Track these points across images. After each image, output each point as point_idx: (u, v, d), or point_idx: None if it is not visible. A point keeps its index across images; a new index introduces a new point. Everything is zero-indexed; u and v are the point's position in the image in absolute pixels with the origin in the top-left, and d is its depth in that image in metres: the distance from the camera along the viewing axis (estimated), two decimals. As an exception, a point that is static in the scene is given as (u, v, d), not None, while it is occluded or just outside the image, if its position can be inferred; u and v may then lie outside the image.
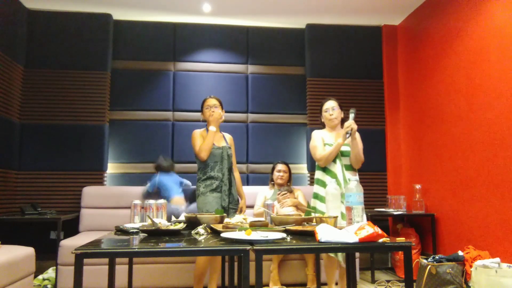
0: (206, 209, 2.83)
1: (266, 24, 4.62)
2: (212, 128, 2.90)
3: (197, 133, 3.00)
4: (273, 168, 3.79)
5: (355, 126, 2.68)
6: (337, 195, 2.17)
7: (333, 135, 2.88)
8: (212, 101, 3.03)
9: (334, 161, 2.78)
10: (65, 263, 3.27)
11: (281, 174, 3.70)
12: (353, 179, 1.94)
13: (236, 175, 3.12)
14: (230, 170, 2.99)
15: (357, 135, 2.86)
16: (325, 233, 1.54)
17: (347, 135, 2.68)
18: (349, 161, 2.82)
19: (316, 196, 2.88)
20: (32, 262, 2.98)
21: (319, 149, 2.85)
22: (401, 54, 4.59)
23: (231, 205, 2.96)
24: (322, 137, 2.91)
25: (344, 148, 2.80)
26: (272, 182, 3.78)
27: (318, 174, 2.89)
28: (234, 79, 4.52)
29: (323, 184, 2.84)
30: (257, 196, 3.82)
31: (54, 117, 4.14)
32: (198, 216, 2.00)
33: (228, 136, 3.16)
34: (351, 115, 2.71)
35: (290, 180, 3.78)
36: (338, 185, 2.71)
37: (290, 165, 3.94)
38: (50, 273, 3.49)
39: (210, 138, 2.88)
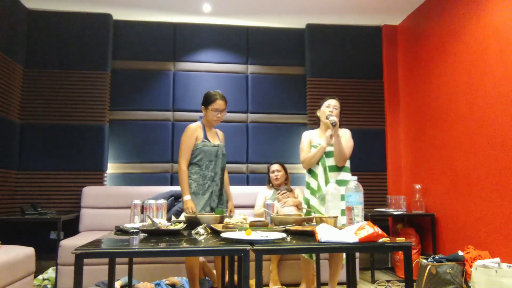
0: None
1: (266, 24, 4.62)
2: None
3: (190, 131, 2.82)
4: (268, 170, 3.80)
5: (336, 118, 2.67)
6: (337, 195, 2.17)
7: (324, 137, 2.82)
8: (222, 105, 2.82)
9: (317, 163, 2.78)
10: (65, 263, 3.28)
11: (275, 174, 3.70)
12: (353, 179, 1.94)
13: (225, 175, 3.01)
14: (223, 169, 2.89)
15: (348, 132, 2.86)
16: (325, 233, 1.54)
17: (332, 124, 2.64)
18: (333, 161, 2.78)
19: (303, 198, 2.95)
20: (32, 262, 2.98)
21: (304, 151, 2.87)
22: (401, 54, 4.59)
23: (221, 206, 2.85)
24: (310, 138, 2.90)
25: (328, 149, 2.76)
26: (271, 184, 3.78)
27: (306, 177, 2.91)
28: (234, 79, 4.52)
29: (308, 186, 2.87)
30: (257, 196, 3.83)
31: (54, 117, 4.14)
32: (198, 216, 2.00)
33: (221, 134, 3.04)
34: (332, 119, 2.69)
35: (288, 179, 3.79)
36: (319, 188, 2.74)
37: (291, 165, 3.95)
38: (50, 273, 3.49)
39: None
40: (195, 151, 2.83)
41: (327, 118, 2.74)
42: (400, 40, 4.63)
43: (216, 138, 2.95)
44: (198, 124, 2.90)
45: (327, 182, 2.70)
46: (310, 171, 2.85)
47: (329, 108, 2.81)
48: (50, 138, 4.10)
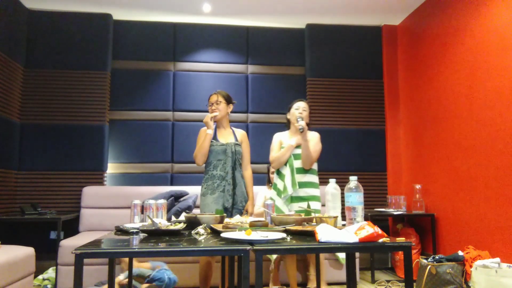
0: (204, 211, 2.72)
1: (266, 24, 4.62)
2: (209, 131, 2.77)
3: (202, 131, 2.87)
4: (268, 170, 3.80)
5: (303, 123, 2.73)
6: (337, 194, 2.17)
7: (295, 139, 2.87)
8: (213, 98, 2.85)
9: (286, 164, 2.84)
10: (65, 263, 3.27)
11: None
12: (353, 179, 1.94)
13: (247, 174, 2.91)
14: (234, 168, 2.80)
15: (316, 136, 2.90)
16: (325, 233, 1.54)
17: (300, 130, 2.71)
18: (300, 164, 2.83)
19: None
20: (32, 262, 2.98)
21: (273, 151, 2.93)
22: (401, 54, 4.59)
23: (236, 206, 2.77)
24: (281, 139, 2.96)
25: (296, 151, 2.83)
26: (270, 184, 3.78)
27: (274, 178, 2.94)
28: (234, 79, 4.52)
29: (275, 186, 2.90)
30: (257, 196, 3.82)
31: (54, 117, 4.14)
32: (198, 216, 2.00)
33: (239, 133, 2.96)
34: (300, 121, 2.76)
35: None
36: (285, 189, 2.80)
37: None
38: (50, 273, 3.48)
39: (204, 142, 2.77)
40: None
41: (297, 121, 2.79)
42: (400, 40, 4.63)
43: (230, 138, 2.89)
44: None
45: (293, 183, 2.78)
46: (278, 172, 2.91)
47: (298, 110, 2.88)
48: (50, 138, 4.10)
